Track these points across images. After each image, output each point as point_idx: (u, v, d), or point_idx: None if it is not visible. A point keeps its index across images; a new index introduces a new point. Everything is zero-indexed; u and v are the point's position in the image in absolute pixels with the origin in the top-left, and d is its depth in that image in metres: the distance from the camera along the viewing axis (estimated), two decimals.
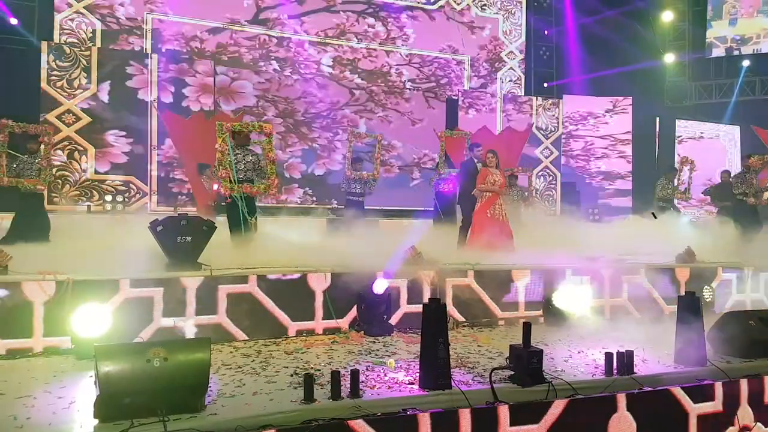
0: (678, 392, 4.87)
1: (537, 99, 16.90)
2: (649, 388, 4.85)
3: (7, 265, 5.54)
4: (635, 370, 5.07)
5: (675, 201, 12.72)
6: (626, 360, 5.06)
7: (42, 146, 8.85)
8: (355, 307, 6.66)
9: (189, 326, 5.92)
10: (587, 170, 17.41)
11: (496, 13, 17.19)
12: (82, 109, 12.49)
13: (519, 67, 17.34)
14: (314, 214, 13.54)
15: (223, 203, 7.80)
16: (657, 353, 5.76)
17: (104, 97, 12.63)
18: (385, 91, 15.80)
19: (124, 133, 12.70)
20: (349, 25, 15.64)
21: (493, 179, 9.26)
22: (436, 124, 15.51)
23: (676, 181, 12.61)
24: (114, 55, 13.01)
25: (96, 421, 3.64)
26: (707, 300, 7.96)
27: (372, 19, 15.90)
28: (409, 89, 16.03)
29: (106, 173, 12.64)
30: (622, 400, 4.65)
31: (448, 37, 16.49)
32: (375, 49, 15.87)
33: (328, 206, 14.36)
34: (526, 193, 13.16)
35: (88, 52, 12.60)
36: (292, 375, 4.84)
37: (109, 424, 3.60)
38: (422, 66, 16.37)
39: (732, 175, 12.32)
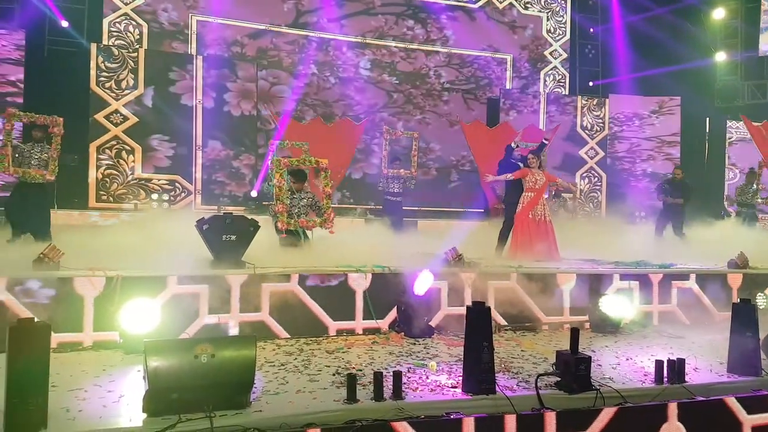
0: (732, 402, 4.71)
1: (581, 98, 16.61)
2: (702, 398, 4.71)
3: (59, 261, 5.67)
4: (686, 378, 4.93)
5: (757, 206, 12.11)
6: (677, 368, 4.92)
7: (51, 137, 8.67)
8: (395, 308, 6.63)
9: (233, 323, 5.98)
10: (632, 172, 17.02)
11: (540, 11, 16.96)
12: (133, 105, 12.73)
13: (563, 65, 17.08)
14: (351, 214, 13.57)
15: (280, 235, 7.80)
16: (709, 362, 5.60)
17: (148, 102, 12.87)
18: (423, 93, 15.75)
19: (167, 137, 12.92)
20: (388, 28, 15.62)
21: (534, 179, 9.10)
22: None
23: (755, 185, 12.02)
24: (159, 57, 13.25)
25: (144, 416, 3.70)
26: (761, 307, 7.70)
27: (411, 21, 15.86)
28: (448, 91, 15.93)
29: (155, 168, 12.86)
30: (673, 409, 4.52)
31: (489, 37, 16.32)
32: (413, 50, 15.80)
33: (366, 207, 14.37)
34: (569, 204, 12.78)
35: (135, 54, 12.86)
36: (334, 374, 4.84)
37: (157, 418, 3.65)
38: (462, 67, 16.25)
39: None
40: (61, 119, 8.80)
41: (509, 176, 9.24)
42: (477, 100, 16.26)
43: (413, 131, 13.42)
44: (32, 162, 8.57)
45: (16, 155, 8.57)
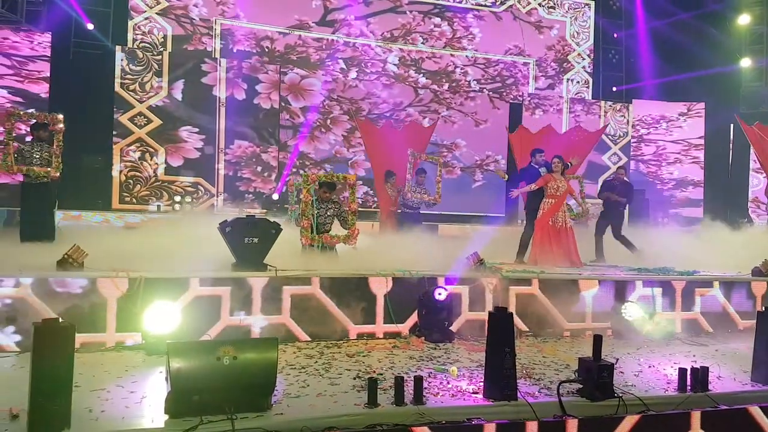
0: (756, 411, 4.64)
1: (605, 103, 16.48)
2: (725, 407, 4.65)
3: (83, 262, 5.74)
4: (710, 387, 4.87)
5: None
6: (701, 376, 4.86)
7: (53, 135, 8.61)
8: (416, 312, 6.62)
9: (254, 325, 6.01)
10: (658, 176, 16.80)
11: (564, 16, 16.87)
12: (157, 107, 12.89)
13: (587, 70, 16.97)
14: (371, 217, 13.58)
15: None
16: (732, 370, 5.52)
17: (178, 95, 13.01)
18: (449, 91, 15.73)
19: (197, 130, 13.05)
20: (415, 25, 15.64)
21: (556, 185, 9.02)
22: (500, 125, 15.38)
23: None
24: (188, 54, 13.39)
25: (166, 417, 3.73)
26: None
27: (438, 18, 15.86)
28: (476, 90, 15.89)
29: (178, 168, 12.99)
30: (696, 417, 4.46)
31: (515, 37, 16.28)
32: (439, 52, 15.80)
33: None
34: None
35: (159, 56, 13.01)
36: (354, 378, 4.84)
37: (179, 420, 3.67)
38: (487, 66, 16.21)
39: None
40: (62, 116, 8.75)
41: (532, 186, 9.20)
42: (503, 99, 16.18)
43: (438, 155, 12.98)
44: (34, 160, 8.50)
45: (18, 156, 8.45)
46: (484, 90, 16.02)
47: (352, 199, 7.86)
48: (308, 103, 14.33)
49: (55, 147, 8.59)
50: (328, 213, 7.99)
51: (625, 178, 11.13)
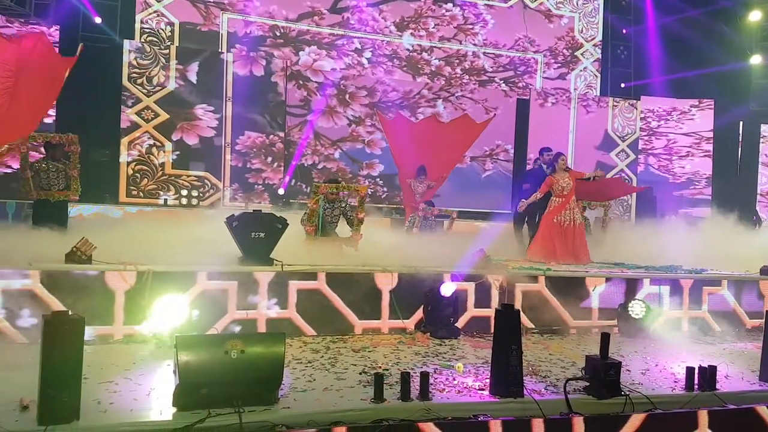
0: (764, 411, 4.62)
1: (613, 100, 16.41)
2: (733, 406, 4.63)
3: (91, 254, 5.76)
4: (718, 386, 4.85)
5: None
6: (708, 375, 4.84)
7: (69, 155, 8.62)
8: (422, 308, 6.62)
9: (260, 320, 6.03)
10: (669, 170, 16.65)
11: (572, 11, 16.80)
12: (170, 92, 12.91)
13: (594, 66, 16.89)
14: (379, 213, 13.58)
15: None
16: (740, 369, 5.51)
17: (192, 77, 13.04)
18: (459, 77, 15.63)
19: (212, 108, 13.06)
20: (426, 9, 15.56)
21: (560, 186, 8.99)
22: (510, 114, 15.33)
23: None
24: (199, 37, 13.41)
25: (174, 410, 3.74)
26: None
27: (450, 4, 15.77)
28: (488, 77, 15.79)
29: (194, 146, 13.01)
30: (703, 417, 4.45)
31: (525, 28, 16.16)
32: (450, 48, 15.74)
33: (392, 206, 14.34)
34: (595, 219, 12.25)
35: (167, 50, 13.02)
36: (360, 373, 4.85)
37: (186, 412, 3.69)
38: (497, 56, 16.10)
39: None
40: (76, 137, 8.72)
41: (538, 195, 9.19)
42: (514, 87, 16.07)
43: (453, 210, 12.03)
44: (52, 184, 8.54)
45: (34, 177, 8.49)
46: (493, 80, 15.91)
47: (360, 210, 7.86)
48: (322, 81, 14.29)
49: (72, 169, 8.59)
50: (335, 212, 8.00)
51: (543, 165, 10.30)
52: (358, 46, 14.96)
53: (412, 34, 15.46)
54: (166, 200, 12.62)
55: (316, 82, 14.29)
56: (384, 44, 15.19)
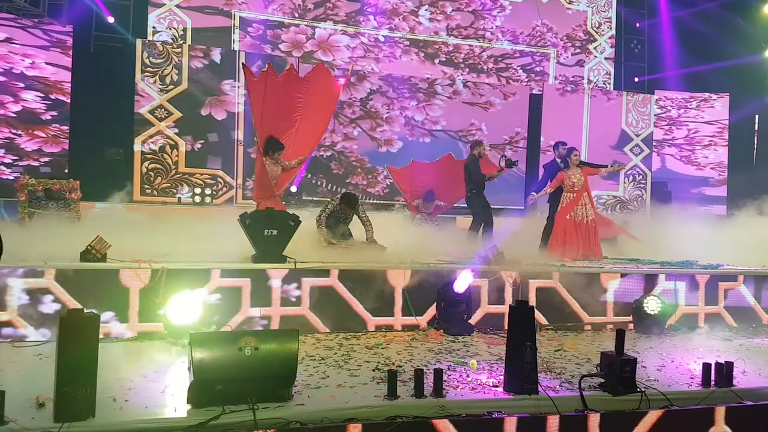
0: None
1: (627, 94, 16.24)
2: (750, 402, 4.59)
3: (106, 253, 5.80)
4: (735, 382, 4.81)
5: None
6: (725, 371, 4.80)
7: (70, 202, 8.43)
8: (435, 304, 6.61)
9: (274, 317, 6.04)
10: (692, 160, 16.37)
11: (585, 6, 16.66)
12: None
13: (608, 61, 16.74)
14: (392, 209, 13.55)
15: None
16: (758, 365, 5.45)
17: (216, 58, 13.08)
18: (472, 64, 15.50)
19: (239, 84, 13.07)
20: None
21: (571, 182, 8.95)
22: (522, 105, 15.27)
23: None
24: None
25: (189, 407, 3.76)
26: None
27: None
28: (506, 64, 15.60)
29: (221, 121, 13.05)
30: (720, 413, 4.42)
31: (539, 16, 15.98)
32: (465, 28, 15.60)
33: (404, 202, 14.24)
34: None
35: (179, 49, 13.06)
36: (374, 370, 4.85)
37: (201, 409, 3.70)
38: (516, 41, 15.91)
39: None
40: (78, 183, 8.53)
41: (548, 190, 9.21)
42: (532, 73, 15.92)
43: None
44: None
45: (33, 215, 8.23)
46: (508, 67, 15.74)
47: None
48: (336, 57, 14.21)
49: (72, 214, 8.39)
50: (349, 220, 7.99)
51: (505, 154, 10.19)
52: (375, 24, 14.78)
53: (429, 18, 15.29)
54: (180, 198, 12.66)
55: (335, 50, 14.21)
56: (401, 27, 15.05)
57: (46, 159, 11.90)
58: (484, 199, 9.69)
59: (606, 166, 10.06)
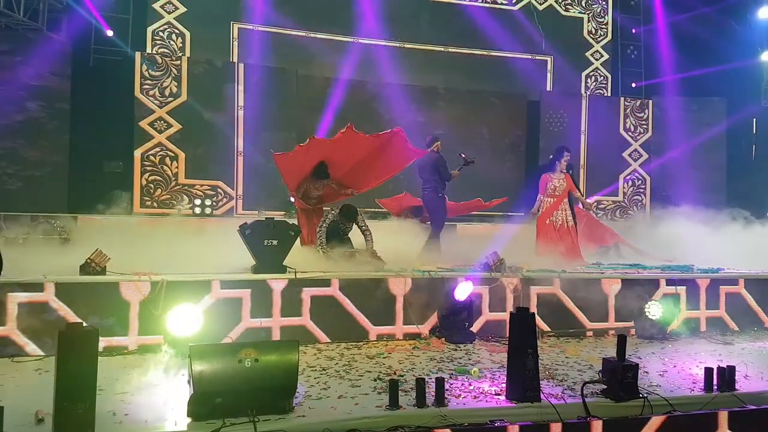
0: None
1: (624, 100, 16.27)
2: (753, 407, 4.58)
3: (105, 266, 5.79)
4: (737, 386, 4.79)
5: None
6: (727, 376, 4.79)
7: None
8: (436, 313, 6.60)
9: (275, 327, 6.03)
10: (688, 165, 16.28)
11: (581, 13, 16.72)
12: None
13: (605, 67, 16.78)
14: (390, 217, 13.52)
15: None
16: (760, 369, 5.44)
17: (216, 69, 13.26)
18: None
19: (238, 94, 13.24)
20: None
21: (553, 185, 8.99)
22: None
23: None
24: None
25: (189, 420, 3.74)
26: None
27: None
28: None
29: (221, 132, 12.94)
30: (723, 417, 4.40)
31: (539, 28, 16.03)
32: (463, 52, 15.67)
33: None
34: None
35: (178, 62, 13.10)
36: (375, 380, 4.84)
37: (201, 422, 3.69)
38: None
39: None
40: None
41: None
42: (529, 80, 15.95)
43: None
44: None
45: None
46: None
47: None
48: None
49: None
50: (348, 230, 7.97)
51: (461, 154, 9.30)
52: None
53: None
54: (179, 209, 12.66)
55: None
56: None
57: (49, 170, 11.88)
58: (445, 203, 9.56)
59: (583, 197, 9.88)
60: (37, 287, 5.45)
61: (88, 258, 5.74)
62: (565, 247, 8.77)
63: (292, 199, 8.89)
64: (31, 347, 5.37)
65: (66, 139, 12.12)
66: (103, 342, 5.34)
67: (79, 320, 4.84)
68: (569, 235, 8.92)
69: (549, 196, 8.98)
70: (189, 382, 3.81)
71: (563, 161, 9.07)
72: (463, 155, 9.30)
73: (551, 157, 9.47)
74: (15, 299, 5.37)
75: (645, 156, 16.14)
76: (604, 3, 16.85)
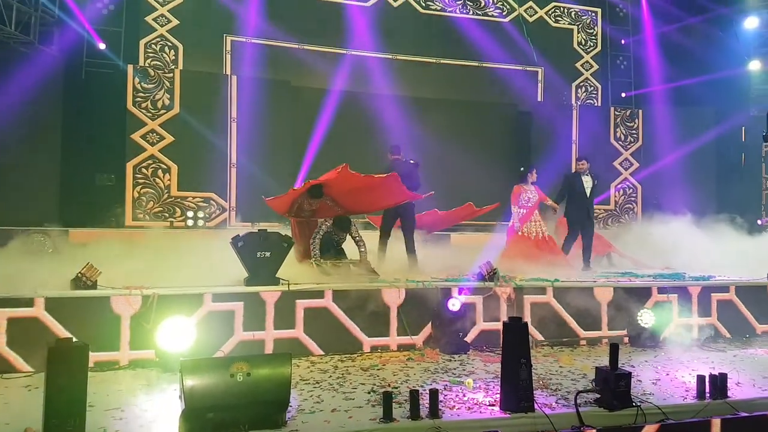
0: None
1: (614, 110, 16.38)
2: (745, 414, 4.59)
3: (96, 280, 5.76)
4: (729, 394, 4.80)
5: None
6: (719, 383, 4.79)
7: None
8: (430, 323, 6.59)
9: (268, 340, 6.00)
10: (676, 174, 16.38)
11: (571, 24, 16.86)
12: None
13: (595, 77, 16.90)
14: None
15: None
16: (752, 376, 5.45)
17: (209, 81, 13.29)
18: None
19: (231, 106, 13.26)
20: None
21: (526, 197, 9.09)
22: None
23: None
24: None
25: None
26: None
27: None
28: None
29: (215, 144, 12.94)
30: (716, 425, 4.43)
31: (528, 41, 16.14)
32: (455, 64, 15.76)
33: None
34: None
35: (171, 74, 13.10)
36: (369, 392, 4.81)
37: None
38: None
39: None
40: None
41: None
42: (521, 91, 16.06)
43: None
44: None
45: None
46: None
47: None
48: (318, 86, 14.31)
49: None
50: (342, 241, 7.96)
51: (411, 160, 8.92)
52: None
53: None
54: (172, 222, 12.61)
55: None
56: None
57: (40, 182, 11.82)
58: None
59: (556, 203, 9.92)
60: (27, 302, 5.41)
61: (79, 272, 5.71)
62: (545, 257, 8.88)
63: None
64: (20, 363, 5.32)
65: (58, 152, 12.09)
66: (93, 357, 5.32)
67: (70, 335, 4.81)
68: (547, 244, 9.10)
69: (522, 207, 9.13)
70: (180, 397, 3.79)
71: (534, 173, 9.30)
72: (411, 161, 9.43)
73: (522, 169, 9.60)
74: (4, 314, 5.32)
75: (636, 165, 16.24)
76: (593, 14, 17.01)
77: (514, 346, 4.40)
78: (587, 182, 9.56)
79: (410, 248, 8.70)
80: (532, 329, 6.69)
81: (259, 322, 6.01)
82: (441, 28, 15.77)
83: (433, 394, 4.23)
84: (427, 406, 4.20)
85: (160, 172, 12.75)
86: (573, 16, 16.87)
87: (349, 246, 7.97)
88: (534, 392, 4.40)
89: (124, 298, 5.61)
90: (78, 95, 12.69)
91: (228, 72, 13.96)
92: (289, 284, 6.17)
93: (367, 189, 8.06)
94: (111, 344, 5.54)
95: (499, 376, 4.55)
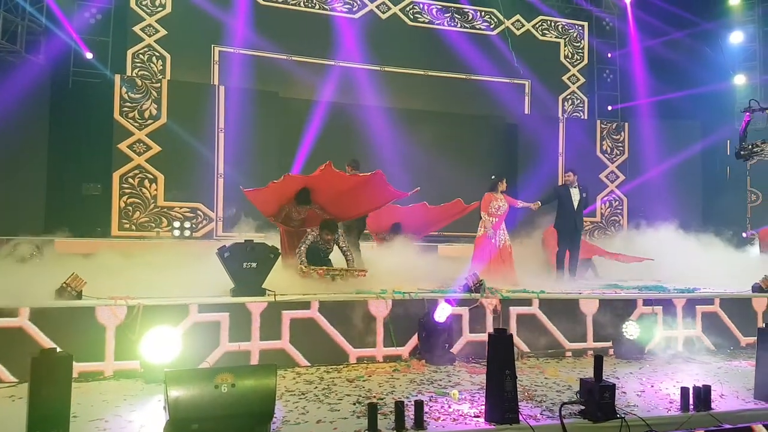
0: (760, 430, 4.63)
1: (600, 123, 16.54)
2: (729, 426, 4.63)
3: (81, 290, 5.72)
4: (713, 405, 4.84)
5: None
6: (703, 395, 4.83)
7: None
8: (416, 335, 6.59)
9: (253, 351, 5.98)
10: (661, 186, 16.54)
11: (558, 38, 17.04)
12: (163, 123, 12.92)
13: (582, 90, 17.07)
14: (370, 238, 13.51)
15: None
16: (735, 388, 5.49)
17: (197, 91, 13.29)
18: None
19: (219, 116, 13.29)
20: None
21: (497, 205, 9.18)
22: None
23: None
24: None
25: None
26: None
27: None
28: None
29: (201, 154, 12.92)
30: None
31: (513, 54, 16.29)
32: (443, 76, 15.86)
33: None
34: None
35: (158, 84, 13.09)
36: (354, 403, 4.81)
37: None
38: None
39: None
40: None
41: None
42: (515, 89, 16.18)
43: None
44: None
45: None
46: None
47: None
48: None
49: None
50: (329, 251, 7.94)
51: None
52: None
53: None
54: (158, 232, 12.56)
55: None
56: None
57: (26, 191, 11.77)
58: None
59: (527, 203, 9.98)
60: (12, 312, 5.36)
61: (64, 282, 5.67)
62: (507, 266, 9.02)
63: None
64: (4, 373, 5.27)
65: (44, 161, 12.04)
66: (78, 367, 5.28)
67: (54, 345, 4.77)
68: (509, 255, 9.18)
69: (492, 216, 9.18)
70: (165, 408, 3.77)
71: (504, 182, 9.37)
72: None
73: (493, 177, 9.69)
74: None
75: (621, 177, 16.38)
76: (580, 28, 17.20)
77: (499, 357, 4.42)
78: (575, 195, 9.71)
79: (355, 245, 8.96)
80: (517, 340, 6.72)
81: (245, 333, 5.99)
82: (429, 40, 15.86)
83: (419, 405, 4.23)
84: (413, 417, 4.21)
85: (146, 182, 12.70)
86: (560, 30, 17.05)
87: (336, 257, 7.97)
88: (519, 404, 4.41)
89: (109, 309, 5.57)
90: (65, 105, 12.66)
91: (216, 82, 13.97)
92: (275, 295, 6.16)
93: (353, 191, 8.07)
94: (96, 355, 5.50)
95: (485, 387, 4.56)
